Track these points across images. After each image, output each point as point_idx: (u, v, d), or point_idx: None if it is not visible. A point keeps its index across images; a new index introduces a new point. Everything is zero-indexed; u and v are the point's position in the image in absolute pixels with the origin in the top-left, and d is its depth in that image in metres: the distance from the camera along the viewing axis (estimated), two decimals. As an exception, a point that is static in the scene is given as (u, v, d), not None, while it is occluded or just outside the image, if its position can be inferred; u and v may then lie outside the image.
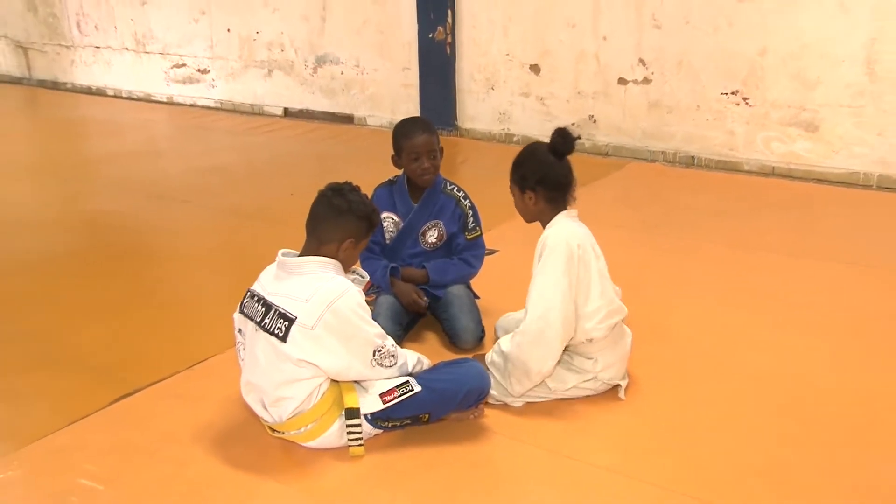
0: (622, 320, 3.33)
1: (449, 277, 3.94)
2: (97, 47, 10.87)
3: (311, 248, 3.00)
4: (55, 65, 11.44)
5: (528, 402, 3.28)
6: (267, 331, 2.86)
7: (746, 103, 6.59)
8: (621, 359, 3.35)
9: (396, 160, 3.91)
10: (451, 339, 3.80)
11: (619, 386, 3.36)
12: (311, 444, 3.00)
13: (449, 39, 7.87)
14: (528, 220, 3.37)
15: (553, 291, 3.10)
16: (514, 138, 7.74)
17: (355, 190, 3.09)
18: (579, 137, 3.27)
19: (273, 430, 3.05)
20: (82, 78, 11.17)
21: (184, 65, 10.06)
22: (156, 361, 3.86)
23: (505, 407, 3.26)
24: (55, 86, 11.44)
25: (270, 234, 5.51)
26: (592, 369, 3.27)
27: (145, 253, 5.65)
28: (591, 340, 3.22)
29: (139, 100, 10.53)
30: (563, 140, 3.18)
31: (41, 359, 4.01)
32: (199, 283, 4.98)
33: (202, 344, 3.94)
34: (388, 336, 3.03)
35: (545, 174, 3.22)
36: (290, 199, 6.19)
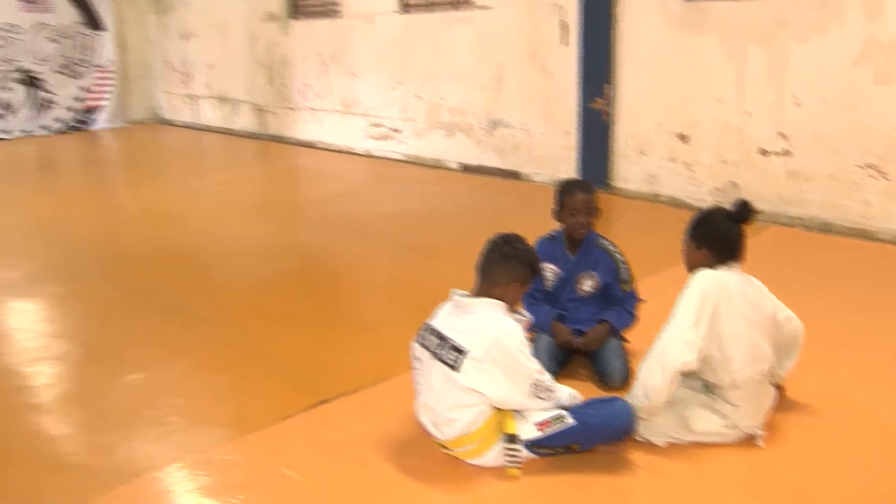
0: (767, 377, 3.10)
1: (623, 325, 3.84)
2: (314, 109, 11.29)
3: (482, 289, 2.96)
4: (283, 123, 11.97)
5: (670, 443, 3.08)
6: (441, 360, 2.84)
7: (884, 177, 6.11)
8: (762, 410, 3.11)
9: (557, 213, 3.85)
10: (601, 378, 3.67)
11: (756, 435, 3.11)
12: (474, 461, 2.94)
13: (606, 109, 7.72)
14: (691, 269, 3.22)
15: (679, 320, 2.97)
16: (662, 199, 7.48)
17: (522, 240, 3.05)
18: (760, 212, 3.16)
19: (442, 446, 3.00)
20: (301, 134, 11.62)
21: (381, 125, 10.30)
22: (346, 375, 3.91)
23: (649, 445, 3.09)
24: (281, 140, 11.95)
25: (444, 270, 5.49)
26: (733, 415, 3.06)
27: (340, 280, 5.77)
28: (736, 386, 3.01)
29: (343, 152, 10.83)
30: (745, 211, 3.11)
31: (258, 362, 4.19)
32: (383, 310, 5.03)
33: (384, 365, 3.95)
34: (545, 371, 2.93)
35: (722, 237, 3.13)
36: (463, 242, 6.13)
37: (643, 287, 3.98)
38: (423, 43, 9.47)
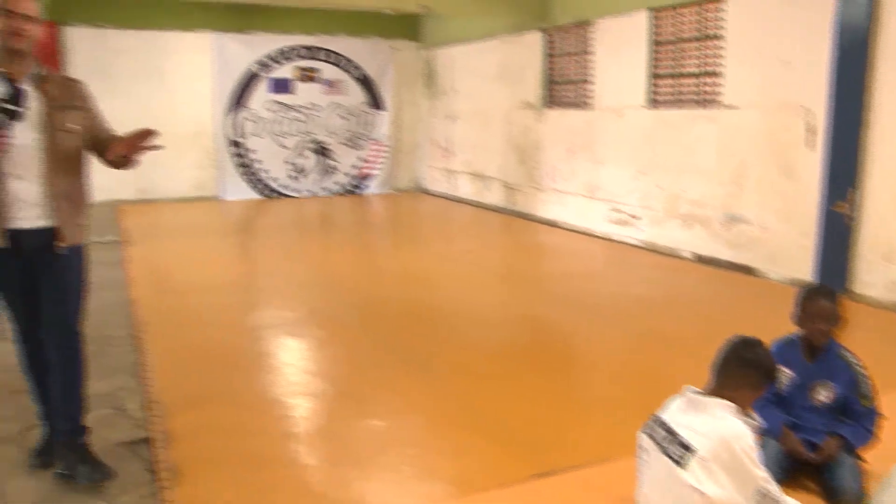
0: None
1: (860, 443, 3.42)
2: (559, 191, 11.40)
3: (716, 388, 2.77)
4: (529, 201, 12.20)
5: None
6: (667, 455, 2.67)
7: None
8: None
9: (798, 318, 3.53)
10: (831, 495, 3.27)
11: None
12: (690, 560, 2.70)
13: (849, 213, 7.10)
14: None
15: None
16: (908, 309, 6.71)
17: (762, 345, 2.83)
18: None
19: (659, 540, 2.80)
20: (545, 213, 11.76)
21: (621, 211, 10.17)
22: (569, 451, 3.81)
23: (882, 576, 2.70)
24: (526, 217, 12.17)
25: (674, 359, 5.25)
26: None
27: (571, 356, 5.67)
28: None
29: (582, 233, 10.79)
30: None
31: (487, 425, 4.16)
32: (611, 391, 4.85)
33: (607, 446, 3.80)
34: (773, 481, 2.66)
35: None
36: (695, 332, 5.86)
37: (885, 403, 3.54)
38: (668, 137, 9.30)
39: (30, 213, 3.27)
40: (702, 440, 2.61)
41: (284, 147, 14.22)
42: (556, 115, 11.45)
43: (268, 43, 13.86)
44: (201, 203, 13.45)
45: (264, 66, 13.87)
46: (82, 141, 3.41)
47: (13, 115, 3.17)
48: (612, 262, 9.21)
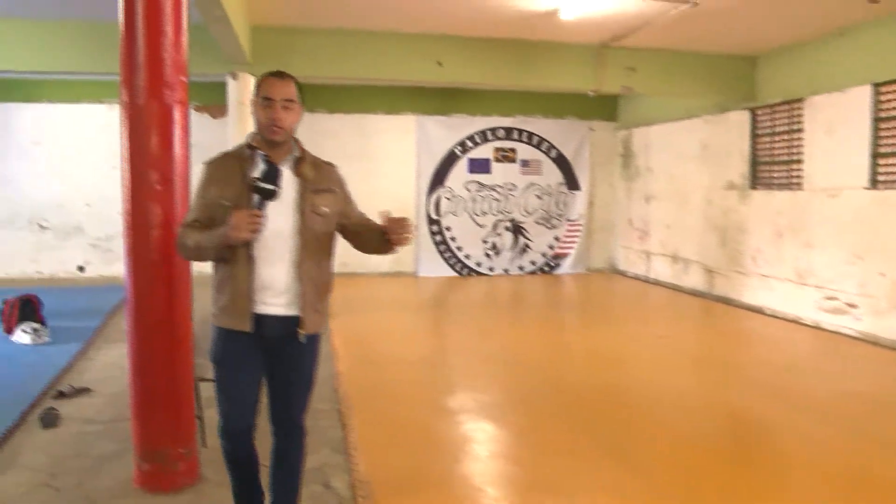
0: None
1: None
2: (764, 276, 10.78)
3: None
4: (730, 286, 11.63)
5: None
6: None
7: None
8: None
9: None
10: None
11: None
12: None
13: None
14: None
15: None
16: None
17: None
18: None
19: None
20: (748, 298, 11.14)
21: (835, 298, 9.42)
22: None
23: None
24: (727, 301, 11.58)
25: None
26: None
27: (784, 455, 5.21)
28: None
29: (789, 321, 10.08)
30: None
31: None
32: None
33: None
34: None
35: None
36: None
37: None
38: (892, 219, 8.57)
39: (276, 299, 3.21)
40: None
41: (480, 225, 14.59)
42: (762, 196, 10.92)
43: (468, 125, 14.42)
44: (398, 278, 14.00)
45: (464, 146, 14.42)
46: (333, 225, 3.37)
47: (269, 195, 3.10)
48: (824, 354, 8.50)
